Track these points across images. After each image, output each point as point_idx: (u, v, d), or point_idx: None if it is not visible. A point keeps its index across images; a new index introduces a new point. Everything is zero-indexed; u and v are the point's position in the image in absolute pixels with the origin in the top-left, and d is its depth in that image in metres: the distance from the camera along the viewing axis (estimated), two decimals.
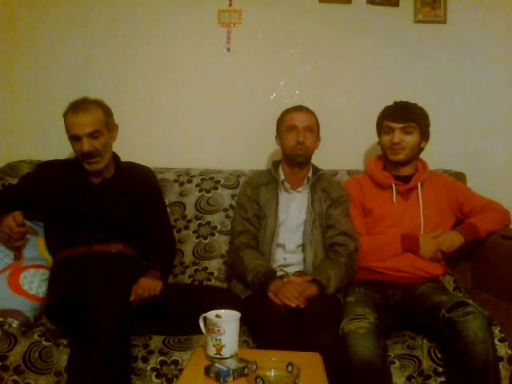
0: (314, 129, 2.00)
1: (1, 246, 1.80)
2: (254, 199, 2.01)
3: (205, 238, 2.17)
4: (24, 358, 1.57)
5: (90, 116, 1.82)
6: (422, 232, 1.98)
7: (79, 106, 1.84)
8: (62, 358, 1.59)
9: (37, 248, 1.90)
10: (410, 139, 1.99)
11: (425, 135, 2.03)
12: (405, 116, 1.98)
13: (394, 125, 1.99)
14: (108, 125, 1.88)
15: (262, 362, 1.26)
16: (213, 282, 2.11)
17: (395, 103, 2.05)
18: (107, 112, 1.89)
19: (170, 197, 2.21)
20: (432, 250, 1.94)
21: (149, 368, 1.60)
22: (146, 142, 2.37)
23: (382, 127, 2.05)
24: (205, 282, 2.10)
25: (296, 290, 1.73)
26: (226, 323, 1.34)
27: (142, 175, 2.07)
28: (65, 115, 1.86)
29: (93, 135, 1.82)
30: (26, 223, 1.77)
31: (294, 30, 2.39)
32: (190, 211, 2.20)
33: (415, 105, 2.03)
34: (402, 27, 2.40)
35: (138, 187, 1.99)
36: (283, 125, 2.01)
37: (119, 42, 2.37)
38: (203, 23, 2.37)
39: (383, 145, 2.04)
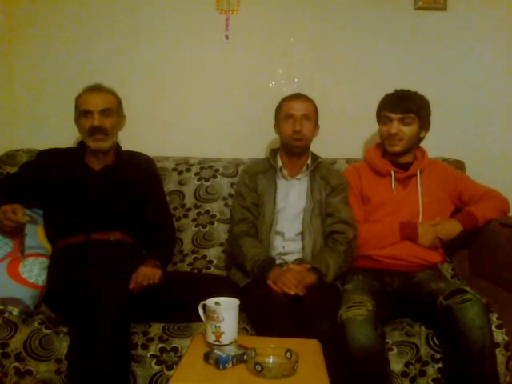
0: (311, 117, 1.98)
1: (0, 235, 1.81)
2: (252, 187, 2.01)
3: (204, 227, 2.18)
4: (25, 345, 1.59)
5: (105, 96, 1.92)
6: (420, 220, 1.98)
7: (95, 88, 1.93)
8: (62, 345, 1.60)
9: (36, 237, 1.90)
10: (408, 130, 1.96)
11: (424, 125, 1.99)
12: (403, 106, 1.94)
13: (392, 115, 1.95)
14: (118, 110, 1.96)
15: (261, 349, 1.27)
16: (212, 270, 2.12)
17: (395, 92, 2.00)
18: (119, 99, 1.98)
19: (169, 185, 2.21)
20: (430, 238, 1.94)
21: (149, 355, 1.61)
22: (144, 130, 2.36)
23: (380, 116, 2.02)
24: (204, 270, 2.11)
25: (295, 278, 1.74)
26: (225, 310, 1.34)
27: (143, 164, 2.07)
28: (78, 96, 1.93)
29: (104, 113, 1.88)
30: (25, 212, 1.77)
31: (292, 17, 2.37)
32: (189, 200, 2.20)
33: (416, 94, 1.99)
34: (401, 14, 2.38)
35: (139, 176, 2.00)
36: (281, 113, 2.00)
37: (118, 31, 2.34)
38: (201, 10, 2.35)
39: (381, 134, 2.02)
